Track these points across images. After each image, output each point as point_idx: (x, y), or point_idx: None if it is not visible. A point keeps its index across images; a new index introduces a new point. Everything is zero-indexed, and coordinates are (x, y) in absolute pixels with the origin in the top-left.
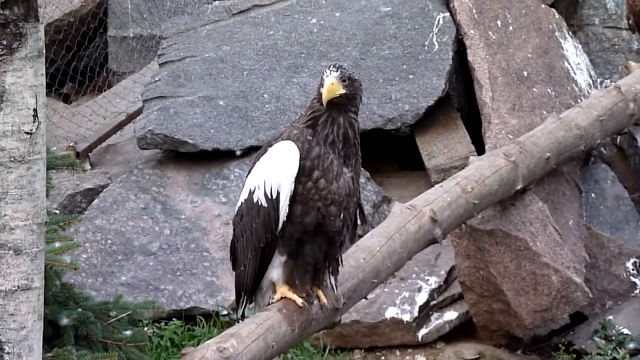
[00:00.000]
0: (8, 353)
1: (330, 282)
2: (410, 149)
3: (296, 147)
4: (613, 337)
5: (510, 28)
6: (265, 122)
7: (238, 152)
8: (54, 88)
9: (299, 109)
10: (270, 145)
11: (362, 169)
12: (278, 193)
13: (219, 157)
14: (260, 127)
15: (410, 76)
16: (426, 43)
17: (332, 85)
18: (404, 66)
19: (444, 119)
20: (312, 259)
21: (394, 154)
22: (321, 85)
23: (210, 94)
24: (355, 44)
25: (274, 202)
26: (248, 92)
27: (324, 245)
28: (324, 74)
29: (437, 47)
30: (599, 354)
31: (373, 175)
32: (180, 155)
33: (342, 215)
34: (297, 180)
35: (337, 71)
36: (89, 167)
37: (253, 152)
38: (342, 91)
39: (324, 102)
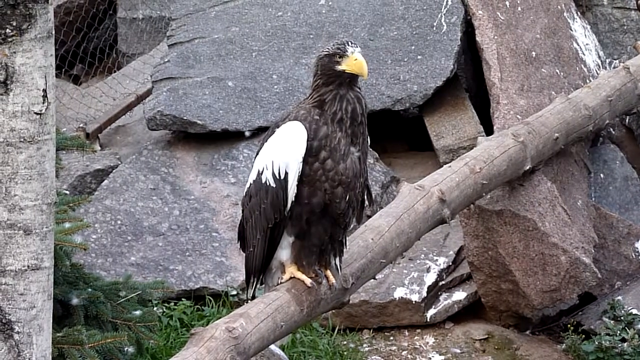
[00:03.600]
0: (18, 332)
1: (335, 263)
2: (418, 130)
3: (304, 128)
4: (622, 318)
5: (519, 9)
6: (274, 103)
7: (247, 133)
8: (63, 69)
9: (308, 89)
10: (278, 126)
11: (370, 149)
12: (286, 173)
13: (228, 137)
14: (269, 108)
15: (419, 57)
16: (434, 24)
17: (363, 60)
18: (413, 47)
19: (452, 99)
20: (317, 240)
21: (402, 135)
22: (332, 62)
23: (219, 75)
24: (364, 24)
25: (282, 183)
26: (257, 73)
27: (328, 227)
28: (347, 50)
29: (445, 27)
30: (607, 334)
31: (382, 155)
32: (189, 136)
33: (347, 197)
34: (305, 161)
35: (357, 46)
36: (99, 148)
37: (262, 132)
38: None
39: (365, 74)
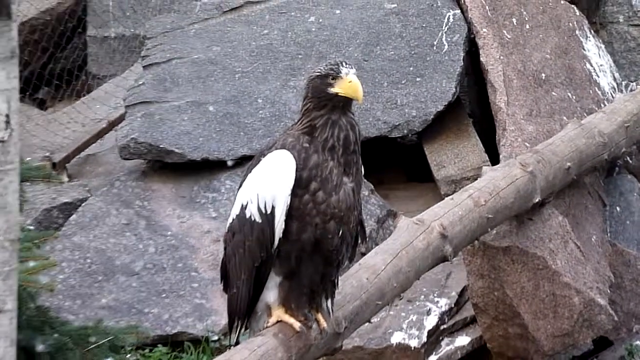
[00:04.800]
0: None
1: (327, 306)
2: (417, 159)
3: (292, 157)
4: None
5: (527, 26)
6: (259, 130)
7: (229, 163)
8: (28, 93)
9: (296, 114)
10: (264, 155)
11: (365, 180)
12: (273, 208)
13: (209, 167)
14: (253, 135)
15: (418, 79)
16: (435, 43)
17: (359, 82)
18: (411, 68)
19: (454, 125)
20: (307, 280)
21: (400, 164)
22: (324, 84)
23: (199, 98)
24: (358, 44)
25: (268, 218)
26: (240, 97)
27: (320, 266)
28: (341, 71)
29: (446, 47)
30: None
31: (377, 187)
32: (166, 166)
33: (341, 233)
34: (293, 193)
35: (352, 67)
36: (67, 179)
37: (246, 162)
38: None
39: (360, 98)
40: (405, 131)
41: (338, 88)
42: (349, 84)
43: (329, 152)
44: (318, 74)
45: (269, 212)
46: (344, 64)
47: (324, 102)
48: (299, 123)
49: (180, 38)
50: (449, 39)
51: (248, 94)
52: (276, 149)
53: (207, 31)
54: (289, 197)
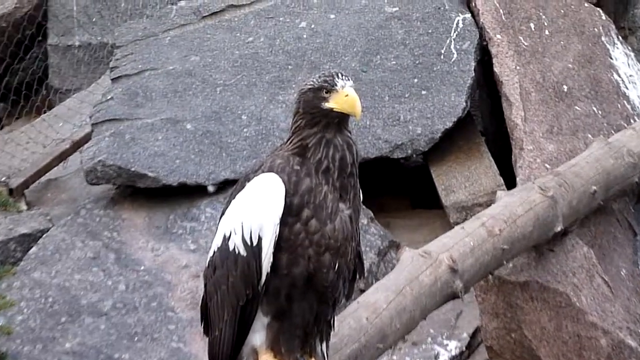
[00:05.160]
0: None
1: (321, 350)
2: (423, 183)
3: (281, 181)
4: None
5: (546, 32)
6: (243, 150)
7: (210, 188)
8: None
9: (285, 133)
10: (249, 179)
11: (364, 207)
12: (259, 238)
13: (187, 193)
14: (237, 157)
15: (423, 92)
16: (442, 51)
17: (356, 96)
18: (415, 80)
19: (465, 144)
20: (300, 320)
21: (403, 189)
22: (318, 98)
23: (175, 115)
24: (355, 52)
25: (254, 250)
26: (222, 113)
27: (314, 304)
28: (336, 84)
29: (455, 55)
30: None
31: (378, 214)
32: (138, 192)
33: (337, 266)
34: (283, 222)
35: (349, 79)
36: (25, 207)
37: (229, 187)
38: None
39: (358, 114)
40: (409, 151)
41: (333, 103)
42: (345, 98)
43: (323, 175)
44: (310, 86)
45: (255, 243)
46: (339, 75)
47: (317, 118)
48: (288, 142)
49: (153, 47)
50: (458, 47)
51: (231, 109)
52: (263, 171)
53: (184, 39)
54: (278, 226)
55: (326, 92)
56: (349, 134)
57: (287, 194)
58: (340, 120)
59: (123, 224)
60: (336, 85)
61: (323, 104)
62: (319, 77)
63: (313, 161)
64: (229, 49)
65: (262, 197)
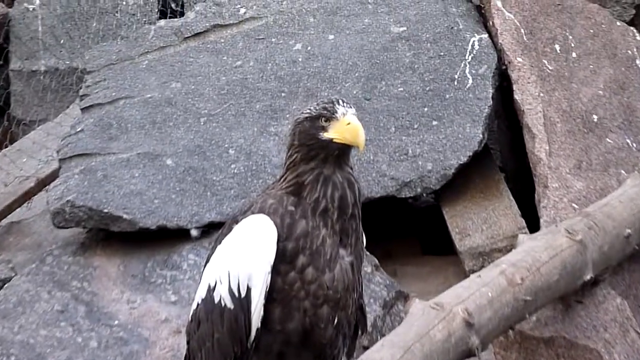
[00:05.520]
0: None
1: None
2: (435, 225)
3: (272, 223)
4: None
5: (574, 54)
6: (230, 189)
7: (193, 232)
8: None
9: (279, 169)
10: (237, 222)
11: (367, 252)
12: (248, 289)
13: (167, 238)
14: (224, 196)
15: (434, 122)
16: (456, 76)
17: (359, 124)
18: (425, 109)
19: (481, 182)
20: None
21: (412, 232)
22: (316, 127)
23: (153, 149)
24: (357, 78)
25: (243, 302)
26: (207, 147)
27: None
28: (336, 111)
29: (471, 81)
30: None
31: (383, 261)
32: (112, 236)
33: (336, 320)
34: (275, 270)
35: (351, 106)
36: None
37: (214, 231)
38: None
39: (361, 145)
40: (419, 190)
41: (333, 132)
42: (346, 126)
43: (320, 216)
44: (307, 115)
45: (243, 294)
46: (340, 102)
47: (315, 151)
48: (282, 180)
49: (129, 72)
50: (473, 71)
51: (216, 143)
52: (253, 213)
53: (163, 63)
54: (269, 275)
55: (325, 121)
56: (350, 170)
57: (280, 239)
58: (340, 153)
59: (95, 273)
60: (336, 112)
61: (321, 134)
62: (317, 104)
63: (310, 201)
64: (214, 74)
65: (252, 242)
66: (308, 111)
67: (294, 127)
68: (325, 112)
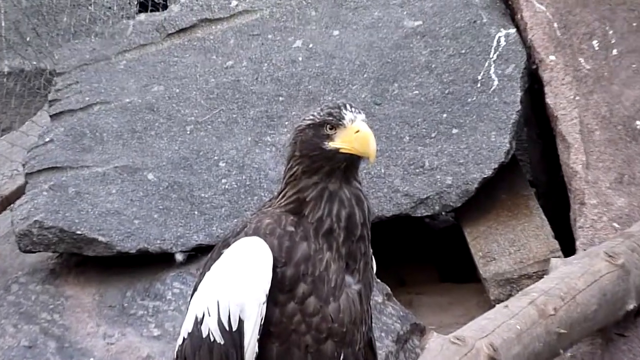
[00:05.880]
0: None
1: None
2: (455, 248)
3: (267, 246)
4: None
5: (614, 51)
6: (221, 207)
7: (179, 257)
8: None
9: (276, 184)
10: (228, 245)
11: (378, 280)
12: (241, 322)
13: (149, 263)
14: (213, 216)
15: (454, 130)
16: (479, 77)
17: (370, 132)
18: (444, 114)
19: (508, 198)
20: None
21: (429, 256)
22: (320, 136)
23: (133, 162)
24: (366, 79)
25: (234, 337)
26: (194, 159)
27: None
28: (343, 117)
29: (496, 83)
30: None
31: (396, 290)
32: (86, 262)
33: (342, 357)
34: (272, 300)
35: (359, 112)
36: None
37: (202, 255)
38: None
39: (372, 155)
40: (437, 207)
41: (339, 142)
42: (355, 135)
43: (324, 238)
44: (310, 122)
45: (235, 328)
46: (347, 107)
47: (319, 163)
48: (281, 196)
49: (104, 74)
50: (499, 72)
51: (205, 154)
52: (246, 235)
53: (144, 63)
54: (265, 306)
55: (330, 129)
56: (358, 185)
57: (277, 264)
58: (348, 165)
59: (67, 303)
60: (343, 119)
61: (326, 143)
62: (321, 109)
63: (312, 220)
64: (202, 76)
65: (244, 267)
66: (311, 117)
67: (295, 135)
68: (330, 118)
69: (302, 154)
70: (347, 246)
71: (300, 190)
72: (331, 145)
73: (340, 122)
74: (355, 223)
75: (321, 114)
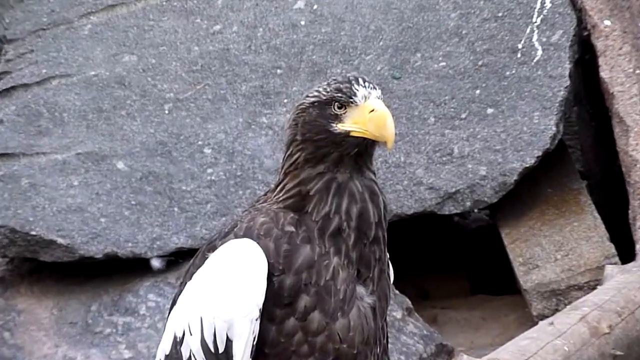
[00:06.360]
0: None
1: None
2: (489, 253)
3: (261, 250)
4: None
5: None
6: (206, 203)
7: (155, 263)
8: None
9: (272, 175)
10: (214, 249)
11: (396, 291)
12: (228, 342)
13: (118, 271)
14: (197, 213)
15: (489, 110)
16: (519, 46)
17: (387, 111)
18: (477, 91)
19: (555, 192)
20: None
21: (458, 263)
22: (326, 116)
23: (99, 147)
24: (382, 48)
25: (220, 359)
26: (173, 145)
27: None
28: (355, 93)
29: (540, 53)
30: None
31: (419, 304)
32: (42, 269)
33: None
34: (268, 316)
35: (374, 87)
36: None
37: (183, 261)
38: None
39: (390, 141)
40: (468, 204)
41: (350, 123)
42: (369, 115)
43: (331, 240)
44: (315, 99)
45: (221, 349)
46: (359, 81)
47: (325, 149)
48: (279, 189)
49: (65, 41)
50: (543, 39)
51: (187, 139)
52: (236, 236)
53: (113, 28)
54: (258, 323)
55: (339, 107)
56: (372, 176)
57: (274, 271)
58: (360, 152)
59: (19, 319)
60: (355, 95)
61: (334, 125)
62: (328, 84)
63: (316, 218)
64: (183, 43)
65: (233, 276)
66: (315, 94)
67: (296, 116)
68: (339, 95)
69: (304, 138)
70: (358, 250)
71: (303, 182)
72: (340, 127)
73: (351, 100)
74: (369, 222)
75: (328, 89)
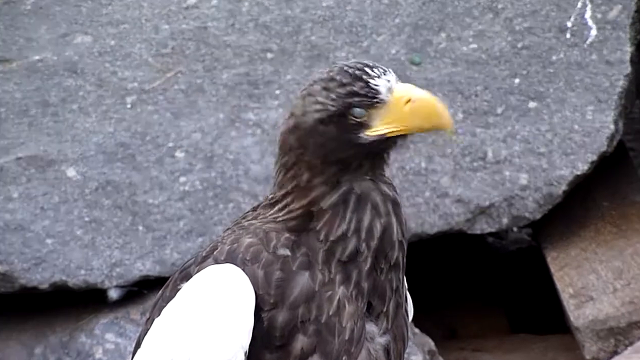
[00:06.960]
0: None
1: None
2: (531, 282)
3: (247, 280)
4: None
5: None
6: (178, 220)
7: (113, 294)
8: None
9: (262, 185)
10: (187, 277)
11: (416, 330)
12: None
13: (68, 304)
14: (166, 232)
15: (532, 104)
16: (568, 24)
17: (428, 95)
18: (516, 80)
19: (613, 207)
20: None
21: (493, 295)
22: (348, 127)
23: (45, 150)
24: (398, 26)
25: None
26: (137, 148)
27: None
28: (376, 91)
29: (594, 32)
30: None
31: (445, 344)
32: None
33: None
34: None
35: (390, 72)
36: None
37: (150, 292)
38: None
39: (449, 125)
40: (506, 220)
41: (384, 124)
42: (410, 107)
43: (340, 265)
44: (321, 114)
45: None
46: (372, 71)
47: (347, 162)
48: (278, 208)
49: (3, 17)
50: (598, 16)
51: (154, 140)
52: (216, 261)
53: (62, 1)
54: None
55: (367, 108)
56: (389, 181)
57: (263, 305)
58: (381, 152)
59: None
60: (378, 93)
61: (362, 135)
62: (328, 89)
63: (326, 238)
64: (149, 20)
65: (211, 312)
66: (318, 107)
67: (305, 133)
68: (357, 99)
69: (323, 160)
70: (371, 278)
71: (314, 201)
72: (370, 134)
73: (376, 100)
74: (392, 241)
75: (334, 96)
